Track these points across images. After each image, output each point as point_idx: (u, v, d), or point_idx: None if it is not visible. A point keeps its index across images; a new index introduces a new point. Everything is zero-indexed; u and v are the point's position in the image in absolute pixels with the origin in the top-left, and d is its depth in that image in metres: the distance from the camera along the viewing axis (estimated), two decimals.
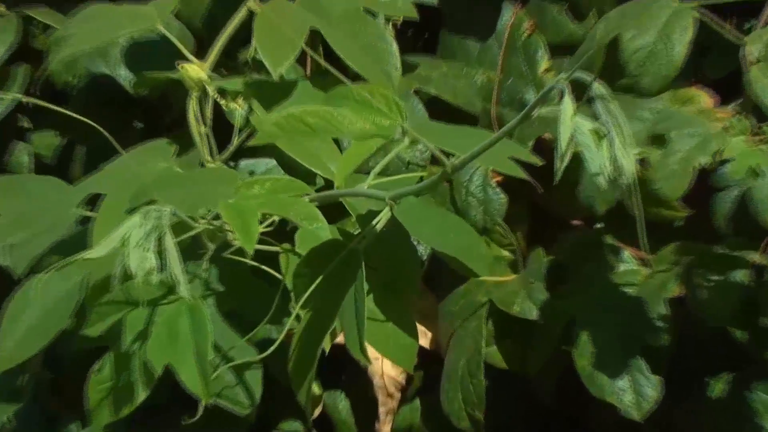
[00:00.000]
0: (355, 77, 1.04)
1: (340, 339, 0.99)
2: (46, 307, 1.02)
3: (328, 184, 1.05)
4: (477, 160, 0.84)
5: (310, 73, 1.19)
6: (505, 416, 1.15)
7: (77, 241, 1.03)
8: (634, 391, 1.02)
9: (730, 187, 1.02)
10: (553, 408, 1.16)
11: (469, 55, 1.23)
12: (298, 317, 0.94)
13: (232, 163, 1.13)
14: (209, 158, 1.08)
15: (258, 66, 1.09)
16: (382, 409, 1.18)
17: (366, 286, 0.90)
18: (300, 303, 0.92)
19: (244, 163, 1.15)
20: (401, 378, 1.17)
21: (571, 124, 0.73)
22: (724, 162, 1.01)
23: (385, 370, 1.16)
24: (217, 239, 0.97)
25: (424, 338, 1.15)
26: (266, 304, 0.98)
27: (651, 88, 1.09)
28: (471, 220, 1.13)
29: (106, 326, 0.95)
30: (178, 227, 0.89)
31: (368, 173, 0.97)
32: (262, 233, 0.96)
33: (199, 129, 1.07)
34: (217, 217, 0.92)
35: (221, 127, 1.10)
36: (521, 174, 0.97)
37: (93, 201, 1.05)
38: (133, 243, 0.83)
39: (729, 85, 1.09)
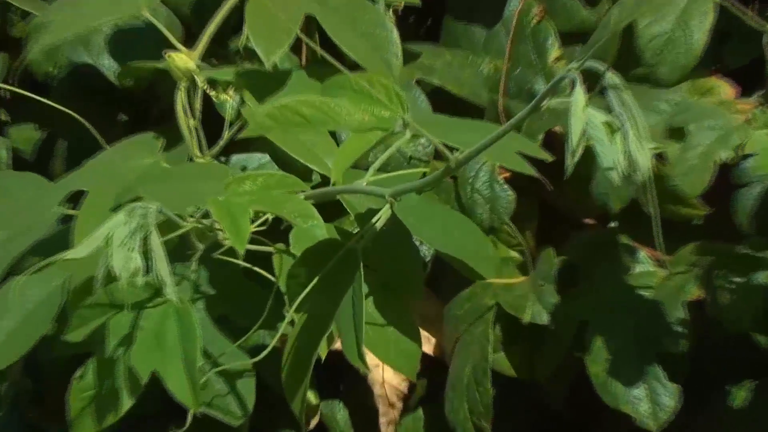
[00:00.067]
0: (354, 66, 1.04)
1: (337, 345, 0.99)
2: (26, 311, 1.02)
3: (325, 181, 1.05)
4: (483, 155, 0.84)
5: (305, 62, 1.19)
6: (513, 426, 1.15)
7: (58, 241, 1.03)
8: (651, 400, 1.02)
9: (752, 183, 1.02)
10: (564, 418, 1.16)
11: (475, 43, 1.23)
12: (292, 321, 0.94)
13: (222, 158, 1.13)
14: (198, 153, 1.08)
15: (250, 55, 1.09)
16: (382, 420, 1.18)
17: (365, 289, 0.90)
18: (294, 306, 0.92)
19: (236, 158, 1.15)
20: (403, 386, 1.17)
21: (582, 116, 0.73)
22: (746, 156, 1.01)
23: (386, 378, 1.16)
24: (206, 239, 0.97)
25: (428, 344, 1.15)
26: (259, 307, 0.98)
27: (668, 77, 1.09)
28: (477, 219, 1.13)
29: (89, 331, 0.95)
30: (165, 226, 0.89)
31: (367, 169, 0.97)
32: (255, 232, 0.96)
33: (187, 122, 1.07)
34: (206, 215, 0.92)
35: (211, 120, 1.10)
36: (530, 170, 0.98)
37: (75, 199, 1.05)
38: (117, 242, 0.83)
39: (751, 75, 1.09)
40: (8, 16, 1.31)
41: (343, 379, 1.20)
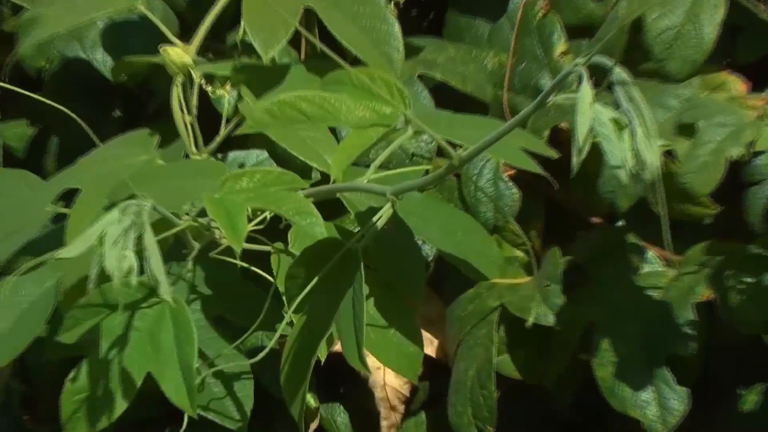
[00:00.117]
0: (354, 61, 1.04)
1: (337, 347, 0.99)
2: (19, 311, 1.02)
3: (325, 178, 1.05)
4: (487, 152, 0.84)
5: (304, 57, 1.19)
6: (518, 431, 1.15)
7: (51, 240, 1.03)
8: (659, 404, 1.02)
9: (764, 181, 1.02)
10: (570, 422, 1.16)
11: (479, 37, 1.23)
12: (291, 323, 0.94)
13: (219, 155, 1.13)
14: (194, 150, 1.08)
15: (248, 49, 1.09)
16: (384, 424, 1.18)
17: (366, 289, 0.90)
18: (293, 307, 0.92)
19: (233, 155, 1.15)
20: (405, 389, 1.18)
21: (589, 113, 0.73)
22: (758, 154, 1.01)
23: (387, 381, 1.16)
24: (202, 238, 0.97)
25: (430, 346, 1.15)
26: (256, 308, 0.98)
27: (678, 73, 1.09)
28: (481, 218, 1.13)
29: (82, 332, 0.95)
30: (160, 224, 0.89)
31: (368, 166, 0.97)
32: (252, 231, 0.96)
33: (183, 118, 1.07)
34: (202, 213, 0.92)
35: (208, 115, 1.10)
36: (535, 167, 0.98)
37: (68, 197, 1.05)
38: (110, 241, 0.83)
39: (763, 70, 1.09)
40: (0, 9, 1.31)
41: (343, 382, 1.21)
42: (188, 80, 1.07)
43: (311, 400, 1.16)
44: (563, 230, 1.15)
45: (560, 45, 1.18)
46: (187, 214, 0.93)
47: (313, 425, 1.19)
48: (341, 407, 1.21)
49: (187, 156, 1.08)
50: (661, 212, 0.83)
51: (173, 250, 0.98)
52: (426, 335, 1.10)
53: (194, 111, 1.07)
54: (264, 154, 1.15)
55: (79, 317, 0.95)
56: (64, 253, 0.85)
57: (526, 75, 1.18)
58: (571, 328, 1.07)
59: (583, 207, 1.14)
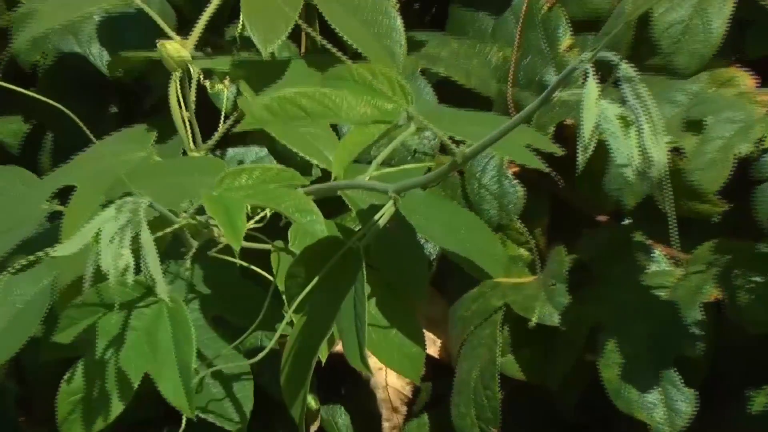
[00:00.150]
0: (355, 56, 1.04)
1: (338, 347, 0.99)
2: (15, 311, 1.02)
3: (325, 175, 1.05)
4: (491, 148, 0.84)
5: (304, 51, 1.19)
6: None
7: (46, 238, 1.03)
8: (666, 406, 1.02)
9: None
10: (576, 424, 1.16)
11: (483, 31, 1.23)
12: (291, 323, 0.95)
13: (218, 152, 1.13)
14: (192, 146, 1.08)
15: (247, 43, 1.09)
16: (386, 425, 1.18)
17: (367, 289, 0.90)
18: (293, 307, 0.92)
19: (232, 152, 1.15)
20: (407, 390, 1.18)
21: (595, 109, 0.73)
22: (767, 150, 1.01)
23: (389, 382, 1.16)
24: (200, 236, 0.97)
25: (433, 346, 1.16)
26: (256, 307, 0.98)
27: (686, 68, 1.09)
28: (484, 216, 1.13)
29: (78, 332, 0.95)
30: (158, 222, 0.89)
31: (370, 163, 0.97)
32: (252, 229, 0.96)
33: (181, 114, 1.07)
34: (200, 211, 0.93)
35: (206, 111, 1.10)
36: (540, 164, 0.98)
37: (64, 194, 1.05)
38: (107, 239, 0.83)
39: None
40: None
41: (345, 383, 1.21)
42: (186, 75, 1.07)
43: (312, 401, 1.16)
44: (568, 228, 1.15)
45: (566, 39, 1.18)
46: (185, 211, 0.93)
47: (314, 427, 1.19)
48: (342, 409, 1.21)
49: (184, 153, 1.08)
50: (668, 210, 0.83)
51: (171, 249, 0.98)
52: (429, 335, 1.10)
53: (192, 107, 1.07)
54: (263, 151, 1.15)
55: (74, 317, 0.95)
56: (59, 251, 0.85)
57: (531, 70, 1.18)
58: (577, 328, 1.07)
59: (588, 205, 1.15)
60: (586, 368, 1.07)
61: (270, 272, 1.00)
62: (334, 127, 1.08)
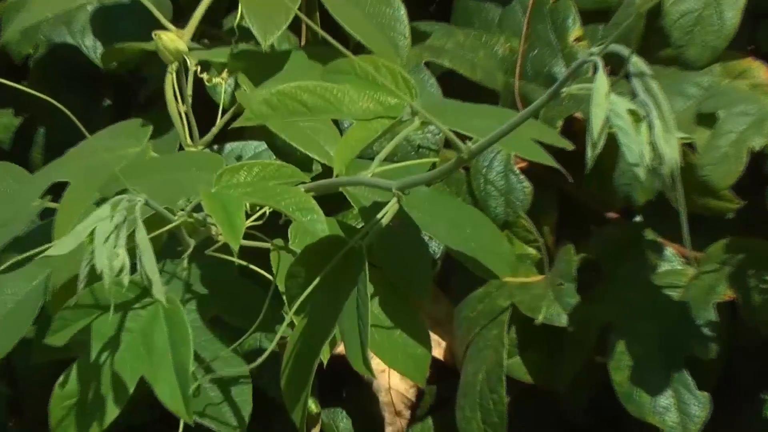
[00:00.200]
0: (358, 48, 1.04)
1: (340, 349, 0.99)
2: (4, 312, 1.03)
3: (327, 172, 1.05)
4: (498, 144, 0.84)
5: (304, 43, 1.19)
6: None
7: (38, 236, 1.03)
8: (679, 410, 1.02)
9: None
10: (584, 428, 1.16)
11: (489, 22, 1.23)
12: (291, 324, 0.95)
13: (215, 147, 1.14)
14: (189, 141, 1.08)
15: (245, 34, 1.09)
16: (389, 429, 1.18)
17: (370, 289, 0.90)
18: (294, 308, 0.92)
19: (230, 147, 1.15)
20: (411, 394, 1.18)
21: (605, 104, 0.73)
22: None
23: (393, 385, 1.16)
24: (198, 234, 0.97)
25: (437, 348, 1.16)
26: (255, 308, 0.98)
27: (698, 59, 1.09)
28: (491, 213, 1.13)
29: (72, 334, 0.95)
30: (154, 220, 0.89)
31: (372, 158, 0.97)
32: (251, 227, 0.96)
33: (177, 107, 1.07)
34: (198, 208, 0.93)
35: (203, 105, 1.10)
36: (548, 160, 0.98)
37: (56, 191, 1.05)
38: (101, 238, 0.83)
39: None
40: None
41: (346, 386, 1.21)
42: (182, 67, 1.07)
43: (312, 404, 1.16)
44: (577, 226, 1.15)
45: (575, 30, 1.18)
46: (182, 209, 0.93)
47: (315, 431, 1.19)
48: (344, 412, 1.21)
49: (181, 148, 1.08)
50: (680, 208, 0.83)
51: (167, 248, 0.98)
52: (433, 336, 1.09)
53: (189, 100, 1.08)
54: (262, 145, 1.15)
55: (68, 318, 0.95)
56: (52, 250, 0.85)
57: (539, 62, 1.18)
58: (586, 329, 1.07)
59: (597, 201, 1.15)
60: (595, 369, 1.07)
61: (269, 271, 1.00)
62: (336, 121, 1.08)
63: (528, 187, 1.13)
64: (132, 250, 0.84)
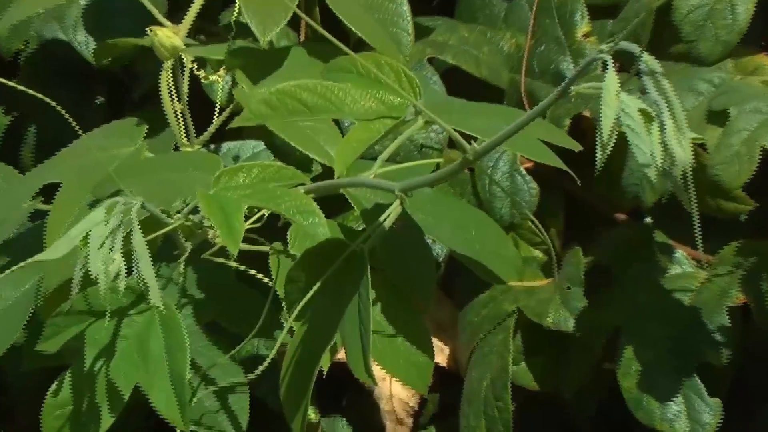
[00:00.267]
0: (359, 45, 1.04)
1: (340, 356, 0.99)
2: None
3: (327, 173, 1.05)
4: (504, 144, 0.84)
5: (304, 39, 1.19)
6: None
7: (29, 239, 1.04)
8: (689, 417, 1.02)
9: None
10: None
11: (494, 17, 1.23)
12: (291, 330, 0.95)
13: (212, 147, 1.14)
14: (185, 140, 1.08)
15: (243, 30, 1.09)
16: None
17: (372, 294, 0.90)
18: (294, 313, 0.92)
19: (227, 147, 1.15)
20: (413, 401, 1.18)
21: (615, 104, 0.73)
22: None
23: (394, 392, 1.16)
24: (195, 237, 0.98)
25: (441, 354, 1.16)
26: (253, 314, 0.98)
27: (709, 55, 1.09)
28: (496, 214, 1.13)
29: (65, 340, 0.95)
30: (149, 223, 0.89)
31: (374, 159, 0.97)
32: (249, 230, 0.96)
33: (173, 105, 1.07)
34: (195, 211, 0.93)
35: (199, 103, 1.10)
36: (557, 161, 0.98)
37: (48, 192, 1.05)
38: (96, 242, 0.83)
39: None
40: None
41: (346, 393, 1.21)
42: (178, 64, 1.07)
43: (312, 413, 1.16)
44: (585, 228, 1.15)
45: (583, 26, 1.18)
46: (179, 211, 0.93)
47: None
48: (344, 421, 1.21)
49: (177, 147, 1.08)
50: (692, 210, 0.83)
51: (163, 251, 0.98)
52: (436, 342, 1.10)
53: (185, 98, 1.08)
54: (260, 145, 1.15)
55: (61, 325, 0.95)
56: (45, 255, 0.85)
57: (546, 58, 1.18)
58: (594, 334, 1.07)
59: (606, 202, 1.15)
60: (603, 375, 1.07)
61: (268, 276, 1.00)
62: (337, 122, 1.08)
63: (535, 188, 1.13)
64: (127, 254, 0.84)
